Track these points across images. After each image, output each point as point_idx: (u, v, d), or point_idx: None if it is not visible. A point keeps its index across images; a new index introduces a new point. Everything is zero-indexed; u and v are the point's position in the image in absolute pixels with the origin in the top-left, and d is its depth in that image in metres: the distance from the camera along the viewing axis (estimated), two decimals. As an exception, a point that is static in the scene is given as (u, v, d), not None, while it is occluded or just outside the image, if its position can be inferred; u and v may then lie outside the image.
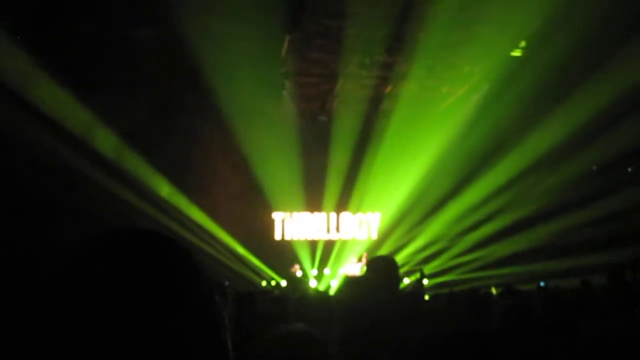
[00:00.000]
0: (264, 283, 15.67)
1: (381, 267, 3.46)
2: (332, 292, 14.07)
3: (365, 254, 16.01)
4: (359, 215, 17.13)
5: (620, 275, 5.94)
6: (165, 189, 13.72)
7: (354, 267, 15.91)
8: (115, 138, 12.47)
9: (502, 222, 14.98)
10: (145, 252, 0.83)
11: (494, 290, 8.54)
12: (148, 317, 0.77)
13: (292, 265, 16.04)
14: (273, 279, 15.80)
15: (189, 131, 13.17)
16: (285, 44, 12.53)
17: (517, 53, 13.01)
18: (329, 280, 15.79)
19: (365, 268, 3.45)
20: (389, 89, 13.95)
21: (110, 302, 0.77)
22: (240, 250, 15.65)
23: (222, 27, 11.40)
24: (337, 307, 3.73)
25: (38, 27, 10.81)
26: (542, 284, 12.98)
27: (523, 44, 12.83)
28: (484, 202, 14.96)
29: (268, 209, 16.52)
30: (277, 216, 16.97)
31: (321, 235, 17.18)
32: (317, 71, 13.49)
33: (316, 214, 17.11)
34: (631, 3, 11.28)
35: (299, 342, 2.02)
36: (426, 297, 9.29)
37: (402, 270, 15.75)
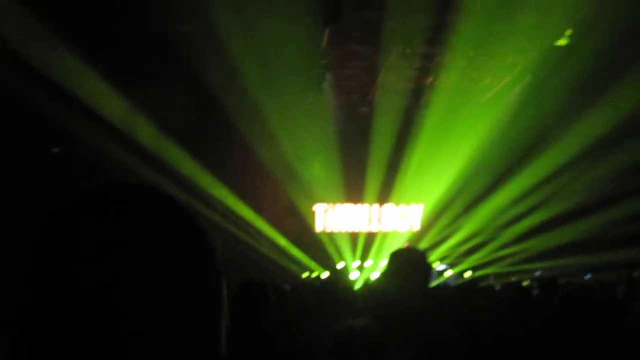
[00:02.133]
0: (305, 274, 15.89)
1: (402, 260, 3.27)
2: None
3: (407, 244, 16.13)
4: (402, 206, 17.19)
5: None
6: (208, 182, 14.01)
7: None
8: (157, 131, 12.80)
9: (545, 214, 14.88)
10: (139, 208, 0.78)
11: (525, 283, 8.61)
12: (135, 283, 0.72)
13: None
14: (314, 270, 16.01)
15: (230, 125, 13.41)
16: (326, 36, 12.68)
17: (562, 42, 12.88)
18: (371, 272, 15.93)
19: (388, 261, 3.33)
20: (430, 80, 13.99)
21: (94, 264, 0.72)
22: (283, 242, 15.89)
23: (263, 21, 11.63)
24: (365, 300, 3.85)
25: (82, 23, 11.19)
26: (587, 277, 12.95)
27: (569, 32, 12.69)
28: (527, 194, 14.88)
29: (310, 200, 16.71)
30: (318, 208, 17.14)
31: (363, 227, 17.30)
32: (357, 63, 13.63)
33: (358, 205, 17.23)
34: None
35: (362, 335, 2.18)
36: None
37: (445, 262, 15.99)
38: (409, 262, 3.11)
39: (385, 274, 3.16)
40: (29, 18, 9.88)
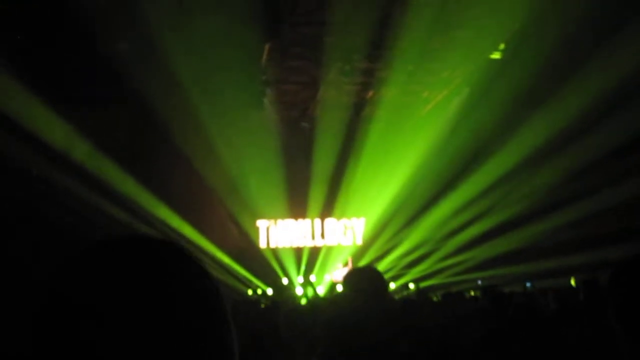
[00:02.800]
0: (249, 292, 15.83)
1: (359, 280, 3.33)
2: (321, 295, 14.38)
3: (350, 259, 16.28)
4: (344, 220, 17.34)
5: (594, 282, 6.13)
6: (148, 201, 13.84)
7: (340, 273, 16.16)
8: (97, 151, 12.60)
9: (486, 224, 15.24)
10: (145, 257, 0.81)
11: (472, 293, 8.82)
12: (146, 323, 0.75)
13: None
14: (259, 287, 15.97)
15: (171, 142, 13.32)
16: (265, 52, 12.74)
17: (496, 56, 13.29)
18: (315, 287, 15.99)
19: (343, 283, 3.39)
20: (370, 94, 14.20)
21: (106, 305, 0.75)
22: (225, 259, 15.79)
23: (201, 37, 11.61)
24: (321, 326, 3.87)
25: (18, 43, 10.97)
26: (528, 284, 13.31)
27: (502, 46, 13.12)
28: (468, 205, 15.21)
29: (252, 216, 16.69)
30: (261, 224, 17.14)
31: (306, 242, 17.37)
32: (297, 78, 13.72)
33: (300, 220, 17.30)
34: (608, 3, 11.58)
35: None
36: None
37: (388, 275, 16.17)
38: (367, 281, 3.17)
39: (343, 295, 3.19)
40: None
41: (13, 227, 11.39)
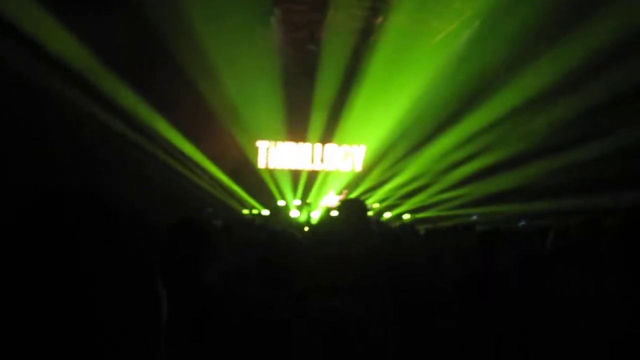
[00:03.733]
0: (245, 212, 16.10)
1: (354, 207, 3.78)
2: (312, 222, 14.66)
3: (345, 191, 16.48)
4: (344, 147, 17.43)
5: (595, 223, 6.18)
6: (148, 115, 13.90)
7: (334, 199, 16.40)
8: (97, 62, 12.55)
9: (487, 160, 15.33)
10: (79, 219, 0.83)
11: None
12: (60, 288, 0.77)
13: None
14: (255, 207, 16.23)
15: (173, 58, 13.21)
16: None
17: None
18: (311, 210, 16.25)
19: (339, 207, 3.81)
20: (379, 20, 14.02)
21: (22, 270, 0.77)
22: (224, 178, 15.98)
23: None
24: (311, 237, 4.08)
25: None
26: (521, 223, 13.55)
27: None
28: (470, 140, 15.25)
29: (252, 137, 16.77)
30: (261, 144, 17.24)
31: (305, 166, 17.51)
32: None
33: (301, 144, 17.38)
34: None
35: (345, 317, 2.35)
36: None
37: (384, 204, 16.43)
38: (359, 211, 3.57)
39: (335, 219, 3.55)
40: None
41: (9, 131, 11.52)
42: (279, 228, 6.97)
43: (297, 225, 10.76)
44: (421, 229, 10.70)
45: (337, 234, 3.58)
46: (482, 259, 5.23)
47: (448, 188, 16.34)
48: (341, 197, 16.19)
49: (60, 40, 11.75)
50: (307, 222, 15.01)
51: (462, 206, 15.90)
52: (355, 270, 3.15)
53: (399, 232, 6.79)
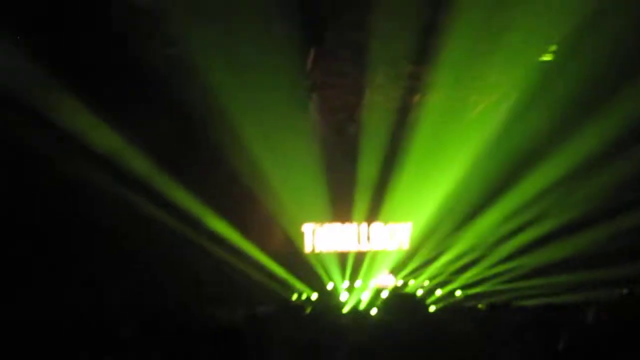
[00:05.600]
0: (294, 297, 16.17)
1: (396, 303, 3.81)
2: (362, 306, 14.70)
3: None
4: (390, 225, 17.50)
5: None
6: (194, 206, 14.32)
7: (386, 279, 16.42)
8: (144, 158, 13.10)
9: (539, 231, 15.28)
10: None
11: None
12: None
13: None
14: (304, 292, 16.30)
15: (215, 148, 13.71)
16: (311, 56, 13.09)
17: (547, 57, 13.37)
18: (360, 293, 16.26)
19: (382, 307, 3.86)
20: (416, 98, 14.39)
21: None
22: (269, 263, 16.14)
23: (247, 43, 12.04)
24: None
25: (64, 46, 11.57)
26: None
27: (554, 48, 13.19)
28: (518, 211, 15.27)
29: (297, 221, 16.96)
30: (307, 228, 17.39)
31: (351, 247, 17.57)
32: (343, 82, 14.02)
33: (346, 224, 17.50)
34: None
35: None
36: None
37: (435, 281, 16.38)
38: (404, 305, 3.65)
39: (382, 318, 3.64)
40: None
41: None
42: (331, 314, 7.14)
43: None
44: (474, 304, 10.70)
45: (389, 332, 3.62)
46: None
47: (500, 261, 16.22)
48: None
49: (97, 133, 12.35)
50: (357, 305, 15.08)
51: (515, 279, 15.74)
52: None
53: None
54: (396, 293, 4.33)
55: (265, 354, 5.34)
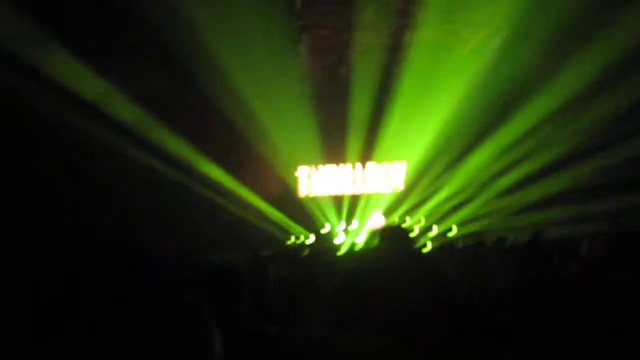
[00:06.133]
0: (291, 240, 16.40)
1: (394, 235, 3.95)
2: (358, 248, 14.91)
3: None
4: (384, 165, 17.57)
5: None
6: (186, 151, 14.40)
7: (380, 220, 16.62)
8: (130, 101, 13.10)
9: (531, 166, 15.42)
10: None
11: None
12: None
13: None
14: (301, 235, 16.52)
15: (206, 92, 13.68)
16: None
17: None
18: (356, 235, 16.49)
19: (379, 236, 3.96)
20: (407, 36, 14.31)
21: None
22: (265, 207, 16.31)
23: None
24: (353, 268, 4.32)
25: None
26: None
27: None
28: (512, 146, 15.38)
29: (291, 164, 17.04)
30: (301, 171, 17.46)
31: (347, 189, 17.70)
32: (333, 23, 13.91)
33: (341, 166, 17.55)
34: None
35: None
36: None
37: (430, 220, 16.57)
38: (399, 238, 3.75)
39: (376, 249, 3.73)
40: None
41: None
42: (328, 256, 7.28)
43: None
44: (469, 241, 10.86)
45: (381, 262, 3.75)
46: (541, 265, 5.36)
47: (494, 198, 16.41)
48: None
49: (90, 83, 12.33)
50: (352, 247, 15.30)
51: (510, 215, 15.95)
52: (402, 297, 3.37)
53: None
54: (390, 225, 4.46)
55: (263, 293, 5.48)
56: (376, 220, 17.05)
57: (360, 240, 16.12)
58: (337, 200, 17.66)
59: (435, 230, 16.56)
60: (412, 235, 4.12)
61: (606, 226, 11.69)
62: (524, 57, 13.96)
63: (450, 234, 16.30)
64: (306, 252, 11.07)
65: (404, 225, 4.38)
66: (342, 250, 13.90)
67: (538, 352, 3.46)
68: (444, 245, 8.82)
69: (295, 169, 17.34)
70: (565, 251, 5.62)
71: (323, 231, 16.97)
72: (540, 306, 3.94)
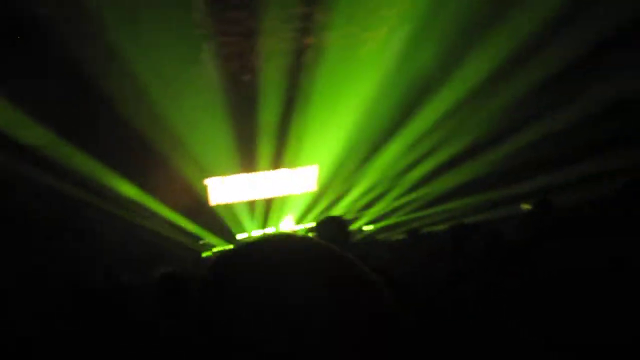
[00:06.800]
0: (208, 253, 16.33)
1: (330, 227, 4.02)
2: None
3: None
4: (296, 170, 17.76)
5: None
6: (93, 168, 14.13)
7: (292, 224, 16.85)
8: (29, 120, 12.77)
9: (440, 157, 16.00)
10: None
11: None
12: None
13: None
14: (218, 246, 16.49)
15: (110, 105, 13.45)
16: (200, 5, 12.98)
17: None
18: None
19: (314, 230, 4.03)
20: (310, 40, 14.56)
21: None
22: (178, 218, 16.18)
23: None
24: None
25: None
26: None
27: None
28: (420, 141, 15.91)
29: (201, 174, 16.95)
30: (210, 181, 17.39)
31: (259, 195, 17.79)
32: (235, 30, 13.97)
33: (252, 174, 17.63)
34: None
35: None
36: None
37: (345, 218, 16.89)
38: (335, 228, 3.83)
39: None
40: None
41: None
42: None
43: None
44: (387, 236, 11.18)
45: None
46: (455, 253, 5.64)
47: (404, 192, 16.91)
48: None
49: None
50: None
51: (421, 208, 16.49)
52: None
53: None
54: (330, 217, 4.45)
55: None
56: (291, 223, 17.24)
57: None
58: (250, 207, 17.72)
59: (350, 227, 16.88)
60: (348, 222, 4.19)
61: (519, 209, 12.33)
62: (424, 53, 14.47)
63: (367, 231, 16.71)
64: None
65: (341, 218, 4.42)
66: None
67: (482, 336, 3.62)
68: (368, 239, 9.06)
69: (206, 178, 17.26)
70: (488, 235, 5.89)
71: (239, 238, 17.00)
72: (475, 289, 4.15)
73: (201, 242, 16.62)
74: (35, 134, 13.09)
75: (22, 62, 12.24)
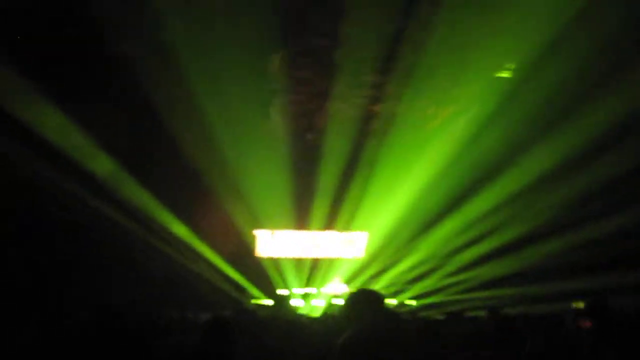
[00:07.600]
0: (251, 302, 16.38)
1: (360, 300, 3.85)
2: (315, 313, 15.01)
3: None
4: (346, 233, 17.81)
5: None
6: (150, 205, 14.49)
7: (339, 287, 16.76)
8: (97, 152, 13.25)
9: (493, 243, 15.80)
10: None
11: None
12: None
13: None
14: (258, 297, 16.53)
15: (176, 148, 13.88)
16: (275, 62, 13.41)
17: (506, 74, 13.94)
18: (314, 299, 16.57)
19: (346, 300, 3.91)
20: (378, 108, 14.79)
21: None
22: (223, 266, 16.33)
23: (211, 42, 12.33)
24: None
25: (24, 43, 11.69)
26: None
27: (512, 66, 13.77)
28: (475, 223, 15.79)
29: (254, 225, 17.15)
30: (260, 233, 17.55)
31: (307, 254, 17.84)
32: (306, 89, 14.33)
33: (302, 231, 17.74)
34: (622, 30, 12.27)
35: None
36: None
37: (390, 290, 16.77)
38: (366, 302, 3.75)
39: (343, 315, 3.71)
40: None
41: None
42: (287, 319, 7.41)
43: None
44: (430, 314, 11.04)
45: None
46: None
47: (455, 272, 16.71)
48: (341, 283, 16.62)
49: (66, 136, 12.47)
50: (310, 312, 15.37)
51: (468, 290, 16.25)
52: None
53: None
54: (363, 289, 4.34)
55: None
56: (336, 286, 17.20)
57: (318, 305, 16.20)
58: (296, 264, 17.76)
59: (393, 301, 16.75)
60: (381, 295, 4.01)
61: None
62: (491, 137, 14.49)
63: (409, 306, 16.53)
64: (264, 313, 11.14)
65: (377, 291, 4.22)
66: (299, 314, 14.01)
67: None
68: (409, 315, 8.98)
69: (256, 229, 17.42)
70: (539, 327, 5.81)
71: (280, 293, 17.02)
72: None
73: (242, 291, 16.69)
74: (102, 165, 13.56)
75: (103, 96, 12.83)
